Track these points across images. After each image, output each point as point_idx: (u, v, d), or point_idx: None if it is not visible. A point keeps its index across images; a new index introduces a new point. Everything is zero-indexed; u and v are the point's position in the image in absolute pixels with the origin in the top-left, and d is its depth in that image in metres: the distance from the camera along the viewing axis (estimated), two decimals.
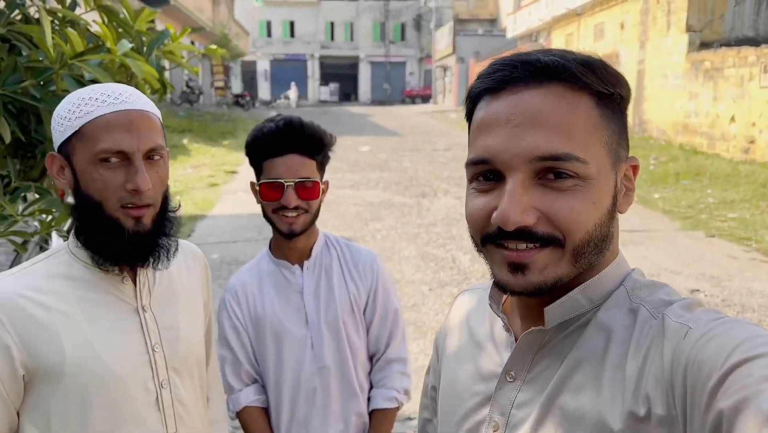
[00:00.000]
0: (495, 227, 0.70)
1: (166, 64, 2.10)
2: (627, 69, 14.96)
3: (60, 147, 1.12)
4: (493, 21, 37.03)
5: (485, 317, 0.89)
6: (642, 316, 0.72)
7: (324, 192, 1.65)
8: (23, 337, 1.06)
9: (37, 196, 1.72)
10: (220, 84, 28.93)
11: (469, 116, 0.77)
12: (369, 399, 1.73)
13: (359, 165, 12.64)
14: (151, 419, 1.18)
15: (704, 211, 8.24)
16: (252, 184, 1.63)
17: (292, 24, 49.71)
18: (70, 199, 2.18)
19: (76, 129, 1.09)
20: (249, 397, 1.67)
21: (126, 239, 1.11)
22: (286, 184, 1.54)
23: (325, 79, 49.78)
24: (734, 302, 4.98)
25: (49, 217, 1.77)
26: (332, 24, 50.05)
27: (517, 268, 0.71)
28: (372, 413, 1.72)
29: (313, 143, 1.58)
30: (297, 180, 1.54)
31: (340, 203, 8.99)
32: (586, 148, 0.69)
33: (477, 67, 29.19)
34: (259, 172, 1.60)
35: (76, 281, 1.14)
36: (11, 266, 4.92)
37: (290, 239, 1.60)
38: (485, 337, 0.87)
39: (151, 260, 1.16)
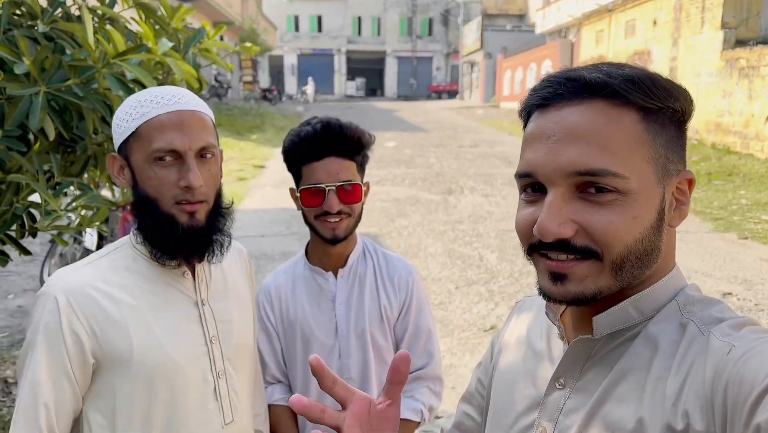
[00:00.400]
0: (537, 238, 0.73)
1: (201, 61, 2.12)
2: (659, 67, 14.70)
3: (120, 148, 1.18)
4: (521, 16, 36.73)
5: (543, 324, 0.91)
6: (690, 331, 0.72)
7: (365, 194, 1.61)
8: (94, 327, 1.13)
9: (77, 192, 1.76)
10: (248, 78, 29.15)
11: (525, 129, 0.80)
12: None
13: (385, 161, 12.63)
14: (209, 408, 1.23)
15: (737, 212, 8.07)
16: (292, 190, 1.61)
17: (319, 18, 49.88)
18: (104, 192, 2.23)
19: (133, 130, 1.15)
20: (273, 396, 1.66)
21: (180, 234, 1.16)
22: (327, 188, 1.51)
23: (351, 74, 49.93)
24: (767, 306, 4.88)
25: (90, 212, 1.81)
26: (359, 19, 50.10)
27: (557, 277, 0.73)
28: None
29: (352, 144, 1.54)
30: (338, 184, 1.51)
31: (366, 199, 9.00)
32: (626, 163, 0.70)
33: (505, 63, 28.96)
34: (298, 178, 1.56)
35: (141, 274, 1.20)
36: (46, 257, 5.04)
37: (333, 245, 1.57)
38: (541, 344, 0.89)
39: (206, 255, 1.21)
